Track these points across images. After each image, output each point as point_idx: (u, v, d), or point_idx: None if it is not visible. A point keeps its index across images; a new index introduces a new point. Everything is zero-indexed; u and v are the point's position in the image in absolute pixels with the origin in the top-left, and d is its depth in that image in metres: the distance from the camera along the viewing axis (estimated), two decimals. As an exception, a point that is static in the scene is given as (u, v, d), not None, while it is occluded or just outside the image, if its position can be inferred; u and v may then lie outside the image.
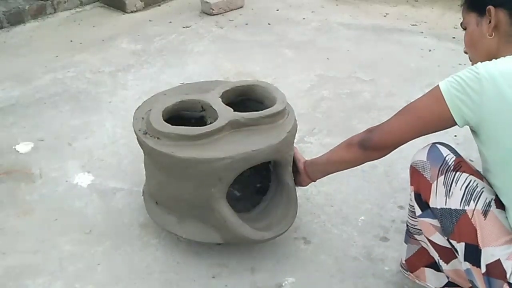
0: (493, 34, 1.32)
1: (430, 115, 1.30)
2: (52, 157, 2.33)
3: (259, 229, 1.69)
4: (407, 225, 1.59)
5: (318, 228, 1.93)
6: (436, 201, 1.34)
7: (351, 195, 2.09)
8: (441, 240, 1.40)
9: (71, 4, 4.09)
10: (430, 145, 1.42)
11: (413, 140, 2.55)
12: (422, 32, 3.61)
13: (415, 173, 1.41)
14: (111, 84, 2.97)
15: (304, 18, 3.88)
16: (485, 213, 1.26)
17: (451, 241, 1.34)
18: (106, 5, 4.16)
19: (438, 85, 1.28)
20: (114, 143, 2.44)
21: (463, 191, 1.29)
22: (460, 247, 1.31)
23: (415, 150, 2.40)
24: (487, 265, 1.25)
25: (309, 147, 2.39)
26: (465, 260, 1.30)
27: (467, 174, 1.32)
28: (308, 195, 2.08)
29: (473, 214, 1.27)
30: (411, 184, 1.45)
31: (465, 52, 1.46)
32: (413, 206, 1.51)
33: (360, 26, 3.72)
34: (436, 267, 1.53)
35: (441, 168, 1.34)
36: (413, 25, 3.74)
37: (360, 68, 3.11)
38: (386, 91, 2.86)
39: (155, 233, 1.90)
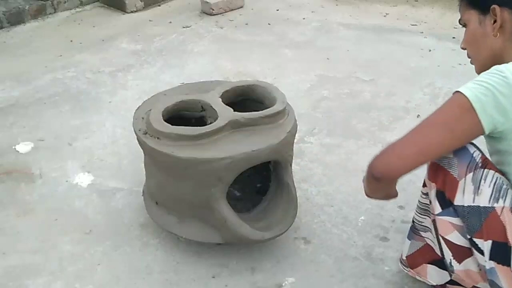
0: (498, 34, 1.29)
1: (462, 126, 1.24)
2: (52, 157, 2.33)
3: (259, 229, 1.69)
4: (413, 222, 1.57)
5: (318, 228, 1.93)
6: (464, 198, 1.31)
7: (351, 195, 2.09)
8: (458, 239, 1.37)
9: (71, 4, 4.09)
10: None
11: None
12: (422, 32, 3.61)
13: (440, 170, 1.37)
14: (111, 84, 2.97)
15: (304, 18, 3.88)
16: None
17: (475, 239, 1.32)
18: (106, 5, 4.16)
19: (460, 93, 1.22)
20: (114, 143, 2.44)
21: (491, 188, 1.28)
22: (487, 245, 1.29)
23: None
24: None
25: (309, 147, 2.39)
26: (490, 259, 1.29)
27: (493, 171, 1.30)
28: (308, 195, 2.08)
29: (502, 211, 1.26)
30: (433, 181, 1.41)
31: (463, 48, 1.43)
32: (422, 203, 1.50)
33: (360, 26, 3.72)
34: (440, 265, 1.52)
35: (470, 165, 1.31)
36: (413, 25, 3.74)
37: (360, 68, 3.11)
38: (386, 91, 2.86)
39: (155, 233, 1.90)
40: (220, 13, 3.96)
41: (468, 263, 1.40)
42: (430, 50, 3.34)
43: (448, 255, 1.43)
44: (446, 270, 1.50)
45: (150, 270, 1.76)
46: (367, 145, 2.40)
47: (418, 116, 2.61)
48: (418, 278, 1.60)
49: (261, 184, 1.91)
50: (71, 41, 3.54)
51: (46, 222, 1.97)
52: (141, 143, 1.70)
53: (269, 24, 3.80)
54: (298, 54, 3.33)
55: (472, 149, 1.35)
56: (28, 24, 3.82)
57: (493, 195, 1.27)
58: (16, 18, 3.78)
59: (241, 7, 4.09)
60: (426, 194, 1.50)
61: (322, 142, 2.42)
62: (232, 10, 4.02)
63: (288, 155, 1.73)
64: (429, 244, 1.54)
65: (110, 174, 2.23)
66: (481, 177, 1.29)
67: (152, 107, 1.75)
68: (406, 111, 2.66)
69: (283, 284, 1.70)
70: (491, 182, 1.29)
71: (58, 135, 2.50)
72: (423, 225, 1.53)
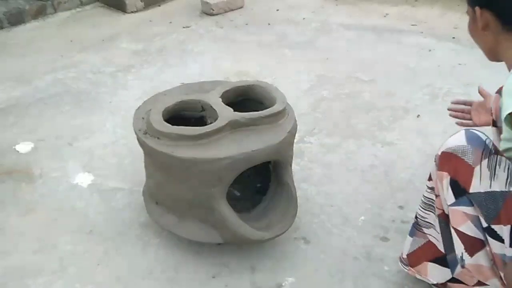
0: (485, 32, 1.28)
1: None
2: (52, 157, 2.34)
3: (259, 229, 1.69)
4: (417, 218, 1.57)
5: (318, 228, 1.93)
6: (480, 185, 1.32)
7: (351, 195, 2.09)
8: (471, 230, 1.37)
9: (71, 4, 4.09)
10: (464, 131, 1.40)
11: (411, 140, 2.56)
12: (422, 32, 3.61)
13: (453, 158, 1.37)
14: (112, 84, 2.98)
15: (304, 18, 3.88)
16: None
17: (493, 226, 1.31)
18: (106, 5, 4.16)
19: None
20: (114, 143, 2.44)
21: (506, 173, 1.28)
22: (507, 230, 1.28)
23: (414, 150, 2.41)
24: None
25: (309, 147, 2.39)
26: (511, 245, 1.28)
27: (504, 158, 1.30)
28: (308, 195, 2.08)
29: None
30: (445, 170, 1.40)
31: None
32: (427, 198, 1.50)
33: (360, 26, 3.72)
34: (442, 262, 1.51)
35: (484, 152, 1.32)
36: (413, 25, 3.74)
37: (360, 68, 3.11)
38: (386, 91, 2.86)
39: (155, 233, 1.90)
40: (220, 13, 3.97)
41: (480, 257, 1.39)
42: (430, 50, 3.34)
43: (460, 248, 1.42)
44: (448, 267, 1.50)
45: (150, 270, 1.76)
46: (367, 145, 2.40)
47: (418, 116, 2.61)
48: (418, 276, 1.60)
49: (261, 184, 1.91)
50: (71, 41, 3.55)
51: (47, 222, 1.97)
52: (141, 143, 1.70)
53: (269, 24, 3.80)
54: (298, 54, 3.33)
55: (484, 136, 1.36)
56: (28, 24, 3.82)
57: (508, 179, 1.28)
58: (16, 18, 3.78)
59: (241, 7, 4.09)
60: (432, 188, 1.49)
61: (322, 142, 2.43)
62: (232, 10, 4.03)
63: (288, 155, 1.73)
64: (431, 241, 1.53)
65: (110, 174, 2.23)
66: (496, 163, 1.30)
67: (152, 107, 1.75)
68: (406, 111, 2.66)
69: (283, 284, 1.71)
70: (505, 167, 1.29)
71: (59, 135, 2.50)
72: (426, 221, 1.53)
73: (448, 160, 1.39)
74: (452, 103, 1.67)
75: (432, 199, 1.51)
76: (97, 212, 2.02)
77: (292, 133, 1.72)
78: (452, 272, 1.49)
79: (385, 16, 3.91)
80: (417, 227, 1.57)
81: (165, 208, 1.77)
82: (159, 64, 3.21)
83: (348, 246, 1.85)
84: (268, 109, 1.72)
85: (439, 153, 1.43)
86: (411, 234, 1.60)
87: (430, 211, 1.52)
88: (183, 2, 4.23)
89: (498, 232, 1.31)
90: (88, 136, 2.49)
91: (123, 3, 4.01)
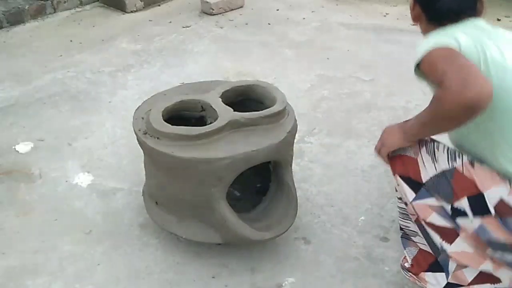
0: (417, 23, 1.58)
1: (458, 54, 1.36)
2: (52, 157, 2.33)
3: (259, 229, 1.69)
4: (401, 228, 1.61)
5: (318, 228, 1.93)
6: (427, 171, 1.40)
7: (351, 195, 2.09)
8: (439, 220, 1.42)
9: (71, 4, 4.09)
10: None
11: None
12: (422, 32, 3.61)
13: (397, 158, 1.46)
14: (111, 84, 2.97)
15: (304, 18, 3.88)
16: (472, 164, 1.33)
17: (455, 205, 1.36)
18: (106, 5, 4.16)
19: (431, 51, 1.42)
20: (114, 143, 2.44)
21: (446, 153, 1.37)
22: (465, 203, 1.34)
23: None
24: (494, 207, 1.30)
25: (309, 147, 2.39)
26: (474, 215, 1.33)
27: (442, 143, 1.40)
28: (308, 195, 2.08)
29: (463, 167, 1.34)
30: (396, 172, 1.47)
31: None
32: (401, 207, 1.56)
33: (360, 26, 3.72)
34: (435, 268, 1.52)
35: (420, 142, 1.42)
36: (413, 25, 3.73)
37: (360, 68, 3.11)
38: (386, 91, 2.86)
39: (155, 233, 1.90)
40: (220, 13, 3.96)
41: (460, 243, 1.42)
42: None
43: (437, 239, 1.45)
44: (442, 271, 1.50)
45: (150, 270, 1.76)
46: (367, 145, 2.40)
47: (418, 116, 2.61)
48: (418, 283, 1.61)
49: (261, 184, 1.91)
50: (71, 41, 3.54)
51: (46, 222, 1.97)
52: (141, 143, 1.70)
53: (269, 24, 3.80)
54: (298, 54, 3.33)
55: None
56: (28, 24, 3.82)
57: (449, 157, 1.37)
58: (16, 18, 3.78)
59: (241, 7, 4.09)
60: (400, 198, 1.55)
61: (322, 142, 2.42)
62: (232, 10, 4.03)
63: (288, 155, 1.73)
64: (422, 249, 1.55)
65: (110, 174, 2.23)
66: (434, 147, 1.40)
67: (152, 107, 1.75)
68: (406, 111, 2.66)
69: (283, 284, 1.70)
70: (443, 148, 1.38)
71: (58, 135, 2.50)
72: (410, 230, 1.57)
73: (395, 163, 1.48)
74: None
75: (404, 208, 1.56)
76: (96, 212, 2.02)
77: (292, 133, 1.72)
78: (447, 275, 1.50)
79: (385, 16, 3.91)
80: (406, 237, 1.61)
81: (165, 208, 1.77)
82: (158, 64, 3.21)
83: (348, 246, 1.84)
84: (268, 109, 1.71)
85: (389, 160, 1.51)
86: (404, 245, 1.62)
87: (409, 220, 1.56)
88: (183, 1, 4.23)
89: (461, 209, 1.36)
90: (87, 136, 2.49)
91: (122, 3, 4.01)
